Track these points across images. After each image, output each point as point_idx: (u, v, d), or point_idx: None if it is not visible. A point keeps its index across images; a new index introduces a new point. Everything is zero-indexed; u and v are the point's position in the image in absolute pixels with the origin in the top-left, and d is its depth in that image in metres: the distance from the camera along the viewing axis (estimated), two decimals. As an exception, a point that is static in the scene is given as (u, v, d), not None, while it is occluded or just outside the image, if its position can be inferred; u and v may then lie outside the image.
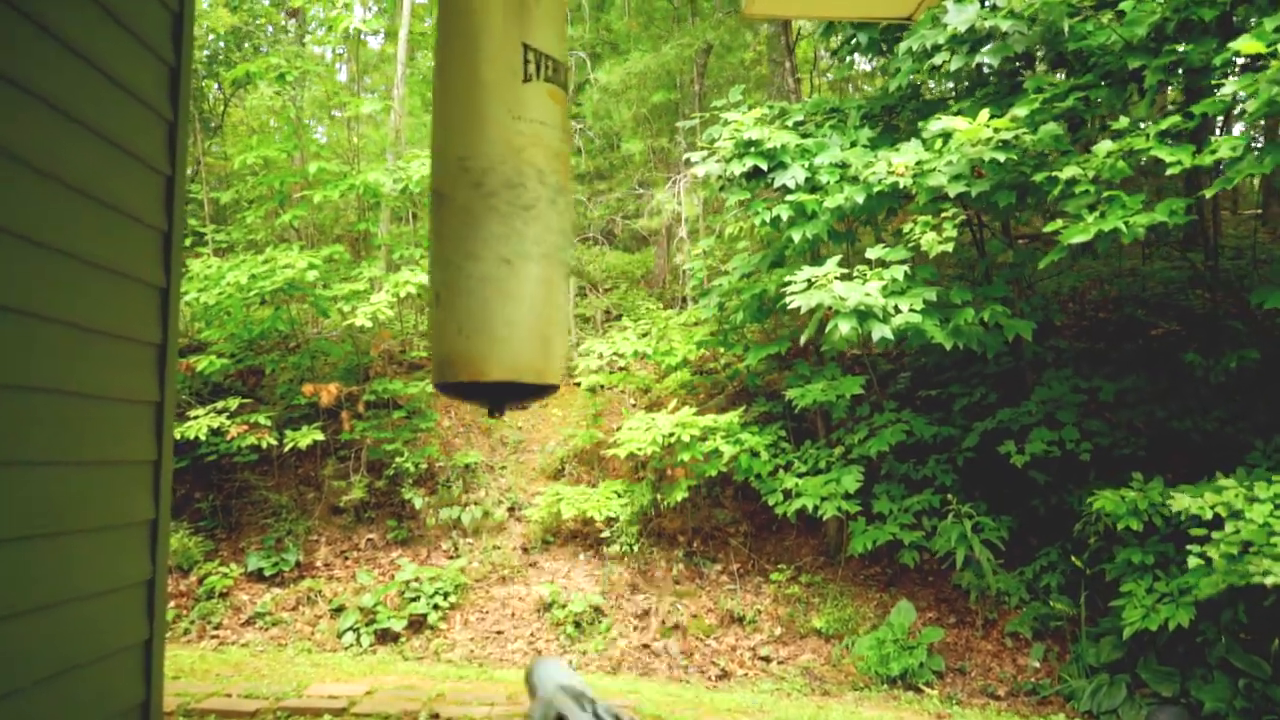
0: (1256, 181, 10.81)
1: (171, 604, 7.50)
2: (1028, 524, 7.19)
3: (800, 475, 7.33)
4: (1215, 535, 4.33)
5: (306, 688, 5.37)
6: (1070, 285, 9.16)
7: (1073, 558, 6.29)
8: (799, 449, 7.66)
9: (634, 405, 9.48)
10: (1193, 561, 4.35)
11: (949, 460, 7.29)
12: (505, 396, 1.94)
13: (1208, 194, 5.17)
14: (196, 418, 7.79)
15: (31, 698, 2.19)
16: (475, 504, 8.36)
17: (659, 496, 7.75)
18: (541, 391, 1.97)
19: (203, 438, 7.69)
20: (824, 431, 7.83)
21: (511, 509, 8.45)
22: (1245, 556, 3.99)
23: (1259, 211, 10.58)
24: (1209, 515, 4.30)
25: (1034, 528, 7.17)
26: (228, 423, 7.78)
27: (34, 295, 2.18)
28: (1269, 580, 3.94)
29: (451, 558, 8.00)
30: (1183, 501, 4.45)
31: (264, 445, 7.91)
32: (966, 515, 6.59)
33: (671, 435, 7.34)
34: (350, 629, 7.26)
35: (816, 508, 6.89)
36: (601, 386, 9.21)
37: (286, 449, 8.02)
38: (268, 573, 7.84)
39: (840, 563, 7.60)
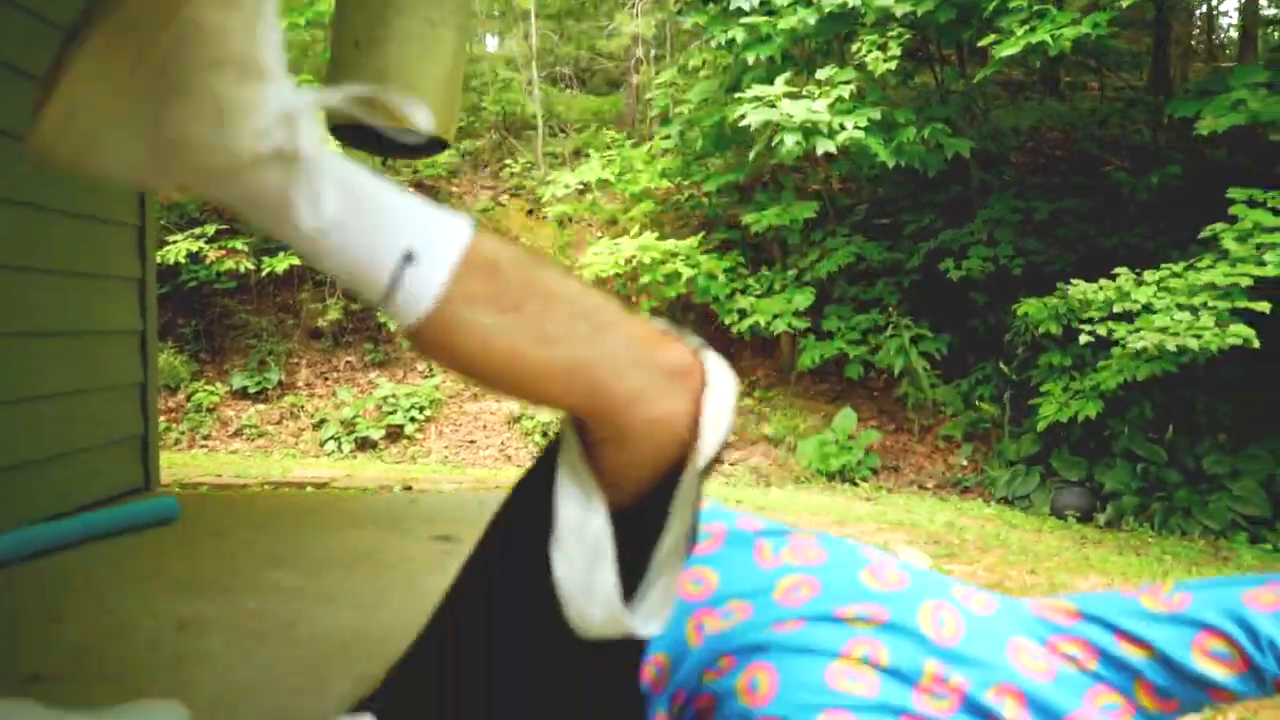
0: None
1: (162, 418, 7.95)
2: (968, 343, 7.67)
3: (756, 297, 7.74)
4: (1111, 324, 4.77)
5: (290, 472, 5.87)
6: (1030, 124, 9.39)
7: (1000, 364, 6.78)
8: (755, 274, 8.04)
9: (600, 237, 9.80)
10: (1083, 339, 4.80)
11: (896, 284, 7.70)
12: (401, 146, 2.31)
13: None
14: (175, 242, 8.06)
15: (46, 470, 2.62)
16: (448, 329, 8.75)
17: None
18: (440, 146, 2.35)
19: (182, 261, 7.98)
20: (780, 257, 8.21)
21: (483, 334, 8.87)
22: (1136, 335, 4.43)
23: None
24: (1100, 300, 4.73)
25: (973, 346, 7.65)
26: (206, 247, 8.06)
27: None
28: (1139, 344, 4.40)
29: (426, 377, 8.45)
30: (1080, 289, 4.87)
31: (242, 270, 8.22)
32: (906, 327, 7.04)
33: (634, 259, 7.69)
34: (331, 438, 7.76)
35: (768, 324, 7.33)
36: (569, 218, 9.49)
37: (264, 274, 8.33)
38: (251, 390, 8.28)
39: (791, 379, 8.10)
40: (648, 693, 1.24)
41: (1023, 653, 1.18)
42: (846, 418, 7.21)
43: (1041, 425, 6.07)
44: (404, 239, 0.71)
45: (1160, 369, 5.38)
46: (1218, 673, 1.13)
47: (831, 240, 7.69)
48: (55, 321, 2.71)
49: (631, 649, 0.98)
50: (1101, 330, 4.73)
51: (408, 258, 0.71)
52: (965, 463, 6.93)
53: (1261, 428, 6.12)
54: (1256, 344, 4.24)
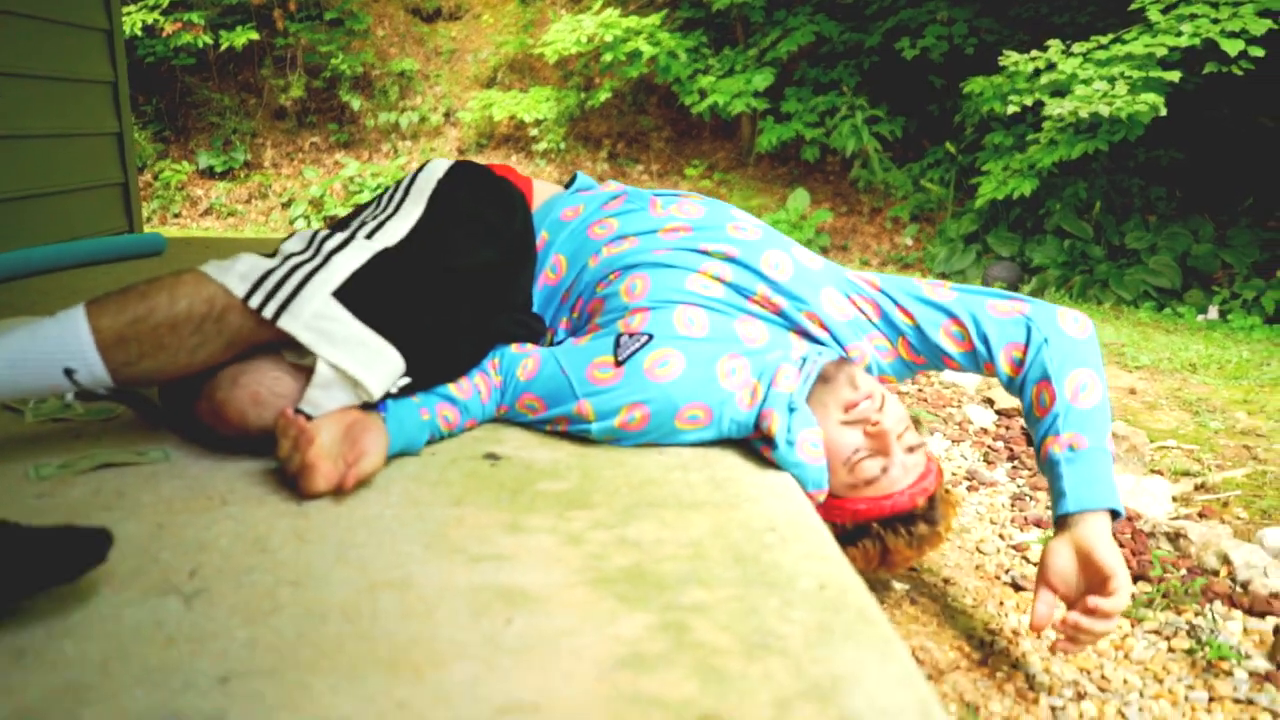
0: None
1: (131, 195, 8.07)
2: (924, 127, 7.83)
3: (718, 78, 7.78)
4: (1039, 94, 4.97)
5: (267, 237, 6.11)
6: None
7: (947, 144, 6.99)
8: (718, 54, 8.04)
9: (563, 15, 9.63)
10: (1010, 108, 5.01)
11: (856, 65, 7.76)
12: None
13: None
14: (129, 14, 7.90)
15: (39, 204, 2.86)
16: (412, 109, 8.77)
17: (584, 98, 8.21)
18: None
19: (139, 35, 7.86)
20: (743, 37, 8.18)
21: (447, 114, 8.90)
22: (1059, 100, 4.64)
23: None
24: (1029, 69, 4.91)
25: (929, 131, 7.82)
26: (161, 19, 7.92)
27: None
28: (1057, 110, 4.64)
29: (391, 158, 8.55)
30: (1011, 57, 5.03)
31: (200, 45, 8.11)
32: (860, 108, 7.17)
33: (596, 36, 7.66)
34: (301, 216, 7.95)
35: (727, 104, 7.43)
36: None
37: (223, 49, 8.22)
38: (218, 169, 8.37)
39: (751, 162, 8.28)
40: (550, 296, 1.60)
41: (829, 299, 1.54)
42: (799, 198, 7.45)
43: (980, 203, 6.35)
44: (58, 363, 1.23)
45: (1093, 147, 5.62)
46: (951, 348, 1.52)
47: (793, 19, 7.66)
48: (30, 67, 2.89)
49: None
50: (1028, 100, 4.93)
51: (68, 372, 1.24)
52: (910, 241, 7.26)
53: (1189, 209, 6.45)
54: (1163, 111, 4.47)
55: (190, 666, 0.85)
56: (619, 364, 1.45)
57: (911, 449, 1.43)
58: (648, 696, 0.82)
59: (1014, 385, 1.50)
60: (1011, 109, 4.96)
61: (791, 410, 1.40)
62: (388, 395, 1.38)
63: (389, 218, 1.49)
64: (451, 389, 1.47)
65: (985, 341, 1.50)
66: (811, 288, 1.56)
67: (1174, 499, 2.05)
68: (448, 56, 9.32)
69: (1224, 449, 2.35)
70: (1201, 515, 1.96)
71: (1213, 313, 5.57)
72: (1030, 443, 2.36)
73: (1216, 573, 1.67)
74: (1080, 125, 5.17)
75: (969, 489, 2.10)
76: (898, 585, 1.61)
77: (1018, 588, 1.65)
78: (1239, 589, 1.62)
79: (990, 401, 2.67)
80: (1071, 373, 1.43)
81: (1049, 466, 1.40)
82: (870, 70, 7.68)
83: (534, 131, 8.42)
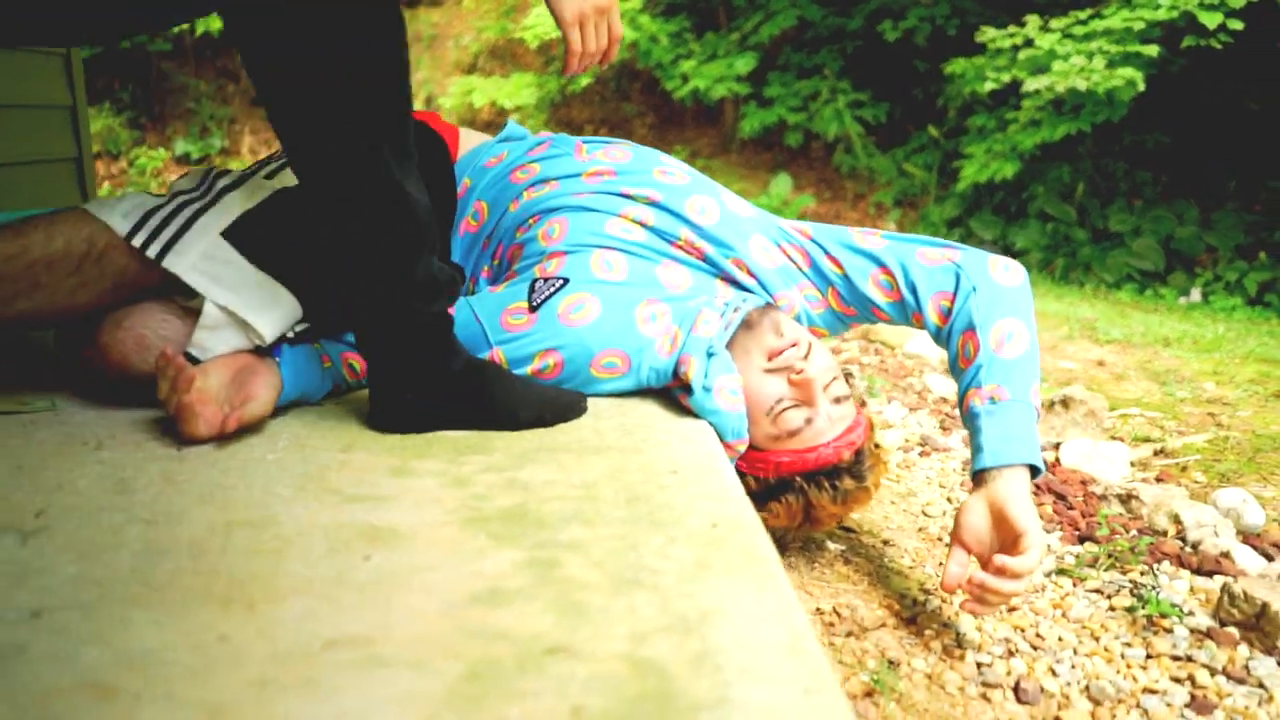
0: None
1: (106, 184, 7.99)
2: (908, 112, 7.76)
3: (701, 62, 7.70)
4: (1017, 71, 4.90)
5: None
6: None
7: (930, 128, 6.92)
8: (700, 38, 7.96)
9: None
10: (989, 84, 4.95)
11: (839, 50, 7.68)
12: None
13: None
14: (104, -2, 7.79)
15: None
16: (393, 96, 8.67)
17: (566, 84, 8.13)
18: None
19: (113, 19, 7.76)
20: (725, 21, 8.10)
21: (427, 100, 8.81)
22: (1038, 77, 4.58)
23: None
24: (1007, 45, 4.84)
25: (913, 116, 7.74)
26: (136, 3, 7.81)
27: None
28: (1035, 86, 4.58)
29: (372, 145, 8.45)
30: (988, 33, 4.97)
31: (176, 30, 8.01)
32: (842, 91, 7.10)
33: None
34: (279, 202, 7.85)
35: (709, 89, 7.35)
36: (515, -18, 9.21)
37: (199, 35, 8.13)
38: (195, 156, 8.28)
39: (734, 148, 8.21)
40: (471, 244, 1.53)
41: (758, 245, 1.47)
42: (781, 182, 7.39)
43: (962, 186, 6.29)
44: None
45: (1075, 128, 5.55)
46: (880, 297, 1.45)
47: (776, 3, 7.59)
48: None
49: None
50: (1006, 77, 4.86)
51: None
52: (893, 226, 7.19)
53: (1174, 193, 6.38)
54: (1142, 86, 4.41)
55: (2, 601, 0.78)
56: (533, 310, 1.38)
57: (838, 400, 1.36)
58: (496, 630, 0.75)
59: (941, 336, 1.43)
60: (989, 85, 4.89)
61: (710, 356, 1.33)
62: (285, 340, 1.31)
63: None
64: (358, 336, 1.40)
65: (913, 290, 1.43)
66: (739, 234, 1.49)
67: (1132, 464, 1.98)
68: (428, 42, 9.23)
69: (1188, 416, 2.29)
70: (1159, 479, 1.90)
71: (1195, 295, 5.51)
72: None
73: (1166, 533, 1.61)
74: (1062, 103, 5.11)
75: (921, 454, 2.04)
76: (832, 545, 1.55)
77: (959, 548, 1.58)
78: (1188, 549, 1.56)
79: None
80: (998, 322, 1.37)
81: (969, 420, 1.33)
82: (853, 55, 7.60)
83: (515, 118, 8.33)
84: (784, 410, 1.33)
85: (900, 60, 7.51)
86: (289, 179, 1.35)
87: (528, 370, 1.36)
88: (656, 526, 0.94)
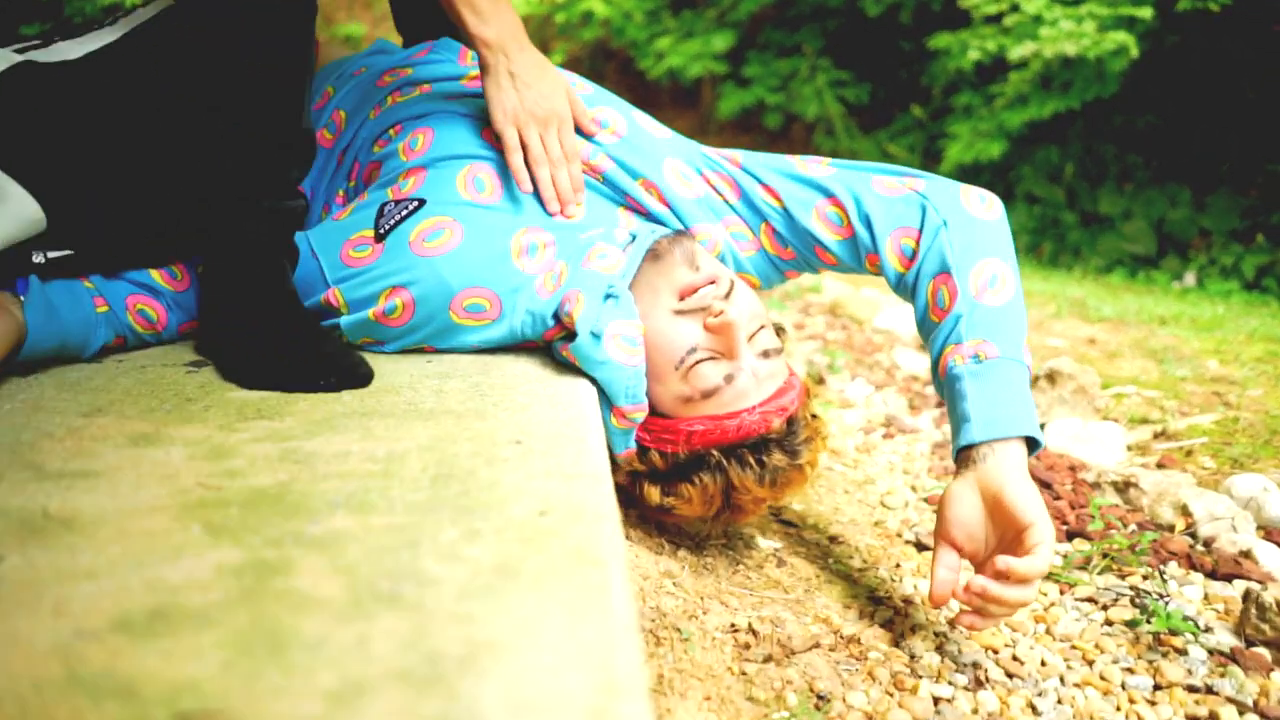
0: None
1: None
2: (893, 93, 7.48)
3: (677, 39, 7.41)
4: (1002, 40, 4.62)
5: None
6: None
7: (913, 108, 6.65)
8: (677, 15, 7.67)
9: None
10: (973, 54, 4.67)
11: (820, 28, 7.40)
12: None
13: None
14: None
15: None
16: (359, 75, 8.35)
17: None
18: None
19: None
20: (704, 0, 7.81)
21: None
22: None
23: None
24: (992, 10, 4.57)
25: (898, 98, 7.46)
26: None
27: None
28: (1014, 56, 4.31)
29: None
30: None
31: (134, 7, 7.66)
32: (822, 70, 6.82)
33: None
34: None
35: (685, 67, 7.06)
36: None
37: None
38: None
39: (713, 130, 7.91)
40: (324, 164, 1.24)
41: (674, 171, 1.18)
42: (760, 165, 7.10)
43: (946, 167, 6.00)
44: None
45: (1064, 105, 5.29)
46: (826, 234, 1.17)
47: (755, -22, 7.29)
48: None
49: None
50: (992, 45, 4.58)
51: None
52: (875, 211, 6.92)
53: (1166, 176, 6.13)
54: (1135, 52, 4.14)
55: None
56: (379, 239, 1.08)
57: (767, 354, 1.07)
58: (118, 679, 0.46)
59: (904, 284, 1.14)
60: (973, 55, 4.61)
61: (609, 298, 1.04)
62: (35, 270, 1.01)
63: (81, 36, 1.11)
64: (157, 276, 1.10)
65: (868, 225, 1.14)
66: (649, 154, 1.20)
67: (1129, 448, 1.70)
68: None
69: (1190, 395, 2.01)
70: (1160, 465, 1.62)
71: (1189, 279, 5.26)
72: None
73: (1172, 528, 1.32)
74: (1050, 80, 4.83)
75: (884, 436, 1.75)
76: (764, 543, 1.26)
77: (921, 546, 1.29)
78: (1200, 547, 1.27)
79: (925, 347, 2.32)
80: (978, 263, 1.08)
81: (948, 384, 1.04)
82: (835, 32, 7.32)
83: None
84: (698, 363, 1.04)
85: (884, 39, 7.23)
86: (58, 53, 1.05)
87: (369, 314, 1.07)
88: (460, 514, 0.65)
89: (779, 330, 1.13)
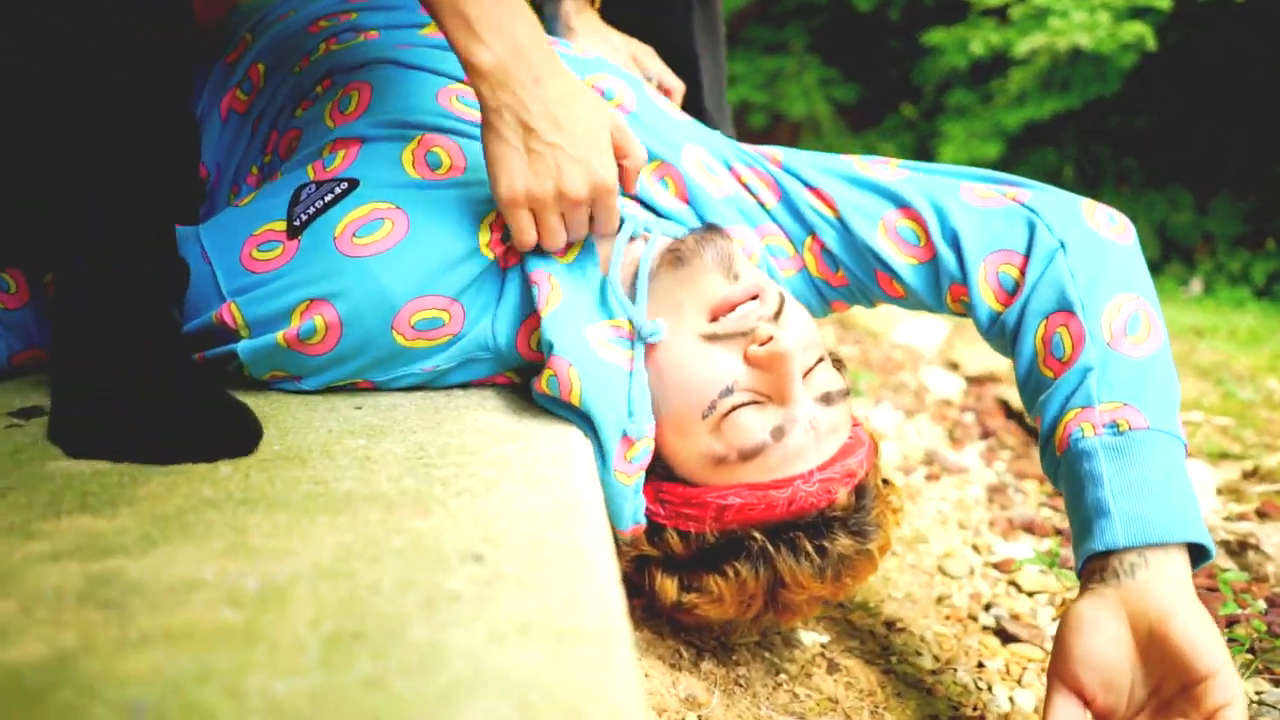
0: None
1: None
2: (882, 92, 7.24)
3: (656, 36, 7.15)
4: (1007, 33, 4.39)
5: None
6: None
7: (903, 107, 6.41)
8: (658, 11, 7.41)
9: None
10: (975, 46, 4.44)
11: (807, 26, 7.16)
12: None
13: None
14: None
15: None
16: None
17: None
18: None
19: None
20: None
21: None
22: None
23: None
24: (996, 3, 4.33)
25: (887, 97, 7.23)
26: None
27: None
28: (1020, 50, 4.09)
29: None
30: (976, -14, 4.46)
31: None
32: (810, 68, 6.58)
33: None
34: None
35: (666, 63, 6.79)
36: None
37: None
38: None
39: (694, 130, 7.66)
40: (237, 132, 0.93)
41: (696, 162, 0.89)
42: (745, 166, 6.85)
43: (940, 168, 5.77)
44: None
45: (1065, 105, 5.06)
46: (895, 255, 0.87)
47: (740, -26, 7.04)
48: None
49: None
50: (995, 39, 4.34)
51: None
52: (864, 215, 6.68)
53: (1164, 179, 5.93)
54: (1153, 43, 3.90)
55: None
56: (293, 235, 0.78)
57: (829, 398, 0.77)
58: None
59: (1002, 326, 0.85)
60: (975, 49, 4.36)
61: (605, 290, 0.76)
62: None
63: None
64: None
65: (955, 245, 0.85)
66: (664, 137, 0.91)
67: (1218, 491, 1.42)
68: None
69: (1268, 424, 1.74)
70: (1261, 514, 1.34)
71: (1195, 286, 5.04)
72: (1020, 421, 1.71)
73: (1323, 608, 1.04)
74: (1056, 70, 4.59)
75: (927, 478, 1.47)
76: (807, 636, 0.96)
77: (1007, 637, 1.01)
78: (1360, 635, 0.99)
79: (955, 365, 2.04)
80: (1113, 299, 0.79)
81: (1072, 462, 0.75)
82: (822, 29, 7.08)
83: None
84: (735, 409, 0.75)
85: (874, 37, 7.00)
86: None
87: (278, 338, 0.77)
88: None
89: (837, 364, 0.84)
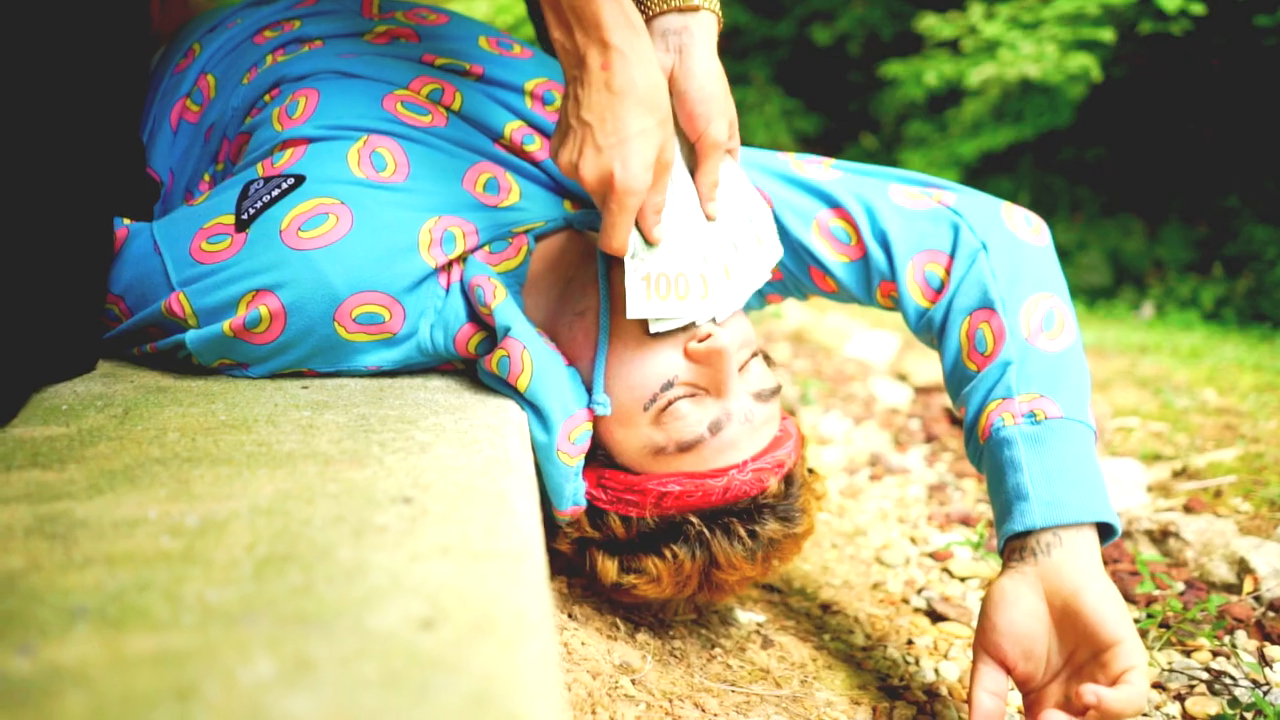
0: None
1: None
2: (843, 125, 7.39)
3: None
4: (958, 63, 4.52)
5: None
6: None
7: (863, 138, 6.55)
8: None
9: None
10: (929, 76, 4.56)
11: (768, 58, 7.31)
12: None
13: None
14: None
15: None
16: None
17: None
18: None
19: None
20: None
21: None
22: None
23: None
24: (948, 34, 4.46)
25: (849, 130, 7.38)
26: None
27: None
28: (973, 81, 4.20)
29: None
30: (928, 21, 4.58)
31: None
32: (771, 100, 6.71)
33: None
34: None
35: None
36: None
37: None
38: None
39: (660, 161, 7.76)
40: (190, 142, 0.97)
41: None
42: (710, 196, 6.94)
43: (899, 196, 5.90)
44: None
45: (1018, 135, 5.21)
46: (827, 253, 0.92)
47: (704, 7, 7.19)
48: None
49: None
50: (947, 68, 4.46)
51: None
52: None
53: (1116, 208, 6.09)
54: (1098, 74, 4.03)
55: None
56: (241, 227, 0.82)
57: (761, 396, 0.82)
58: None
59: (929, 322, 0.90)
60: (929, 78, 4.48)
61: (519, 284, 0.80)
62: None
63: None
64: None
65: (885, 245, 0.91)
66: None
67: (1149, 488, 1.48)
68: None
69: (1200, 428, 1.81)
70: (1188, 509, 1.40)
71: (1147, 310, 5.16)
72: (955, 422, 1.78)
73: (1235, 587, 1.10)
74: (1008, 101, 4.73)
75: (871, 478, 1.51)
76: (745, 616, 1.00)
77: (937, 616, 1.05)
78: (1268, 612, 1.05)
79: (904, 377, 2.10)
80: (1030, 297, 0.86)
81: (993, 450, 0.80)
82: (784, 62, 7.23)
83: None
84: (674, 402, 0.79)
85: (833, 70, 7.16)
86: None
87: (225, 327, 0.80)
88: (287, 629, 0.39)
89: (768, 361, 0.89)
